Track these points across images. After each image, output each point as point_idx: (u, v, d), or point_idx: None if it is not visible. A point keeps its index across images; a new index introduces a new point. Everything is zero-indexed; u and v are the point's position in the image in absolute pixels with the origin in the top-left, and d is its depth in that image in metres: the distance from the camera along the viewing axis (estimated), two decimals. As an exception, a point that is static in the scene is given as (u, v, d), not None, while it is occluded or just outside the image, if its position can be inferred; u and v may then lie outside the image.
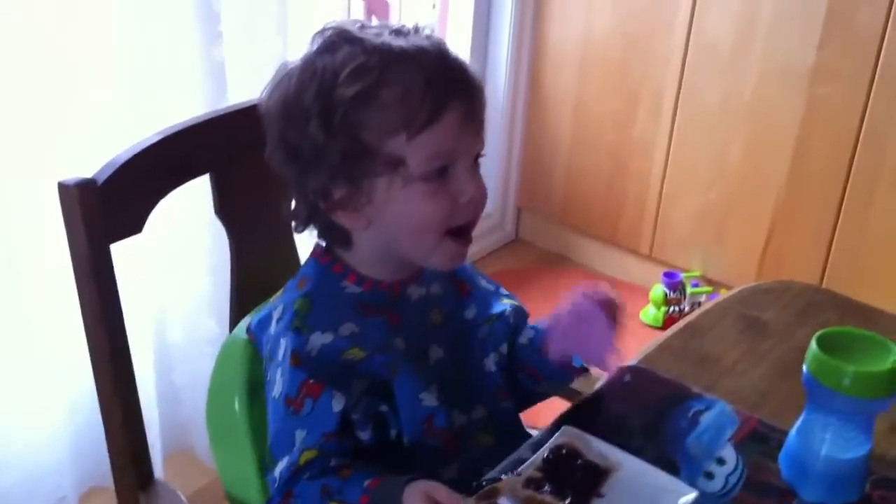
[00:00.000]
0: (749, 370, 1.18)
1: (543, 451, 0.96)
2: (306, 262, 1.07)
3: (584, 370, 1.08)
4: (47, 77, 1.52)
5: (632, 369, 1.15)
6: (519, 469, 0.94)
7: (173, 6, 1.63)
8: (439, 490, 0.88)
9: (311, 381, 0.96)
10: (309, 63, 0.96)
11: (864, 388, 0.90)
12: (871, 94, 2.23)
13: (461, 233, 1.00)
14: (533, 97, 2.83)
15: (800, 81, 2.31)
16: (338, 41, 0.96)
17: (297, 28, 1.83)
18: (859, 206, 2.32)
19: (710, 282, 2.65)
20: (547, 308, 1.03)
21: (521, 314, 1.12)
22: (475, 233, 1.02)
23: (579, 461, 0.96)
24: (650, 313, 2.65)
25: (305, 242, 1.10)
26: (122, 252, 1.08)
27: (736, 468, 0.97)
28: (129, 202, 1.08)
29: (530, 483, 0.92)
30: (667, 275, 2.63)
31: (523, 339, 1.11)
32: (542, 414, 1.12)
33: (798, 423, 0.98)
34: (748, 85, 2.40)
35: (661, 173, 2.62)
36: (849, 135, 2.28)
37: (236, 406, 1.09)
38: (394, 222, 0.98)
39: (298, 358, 0.97)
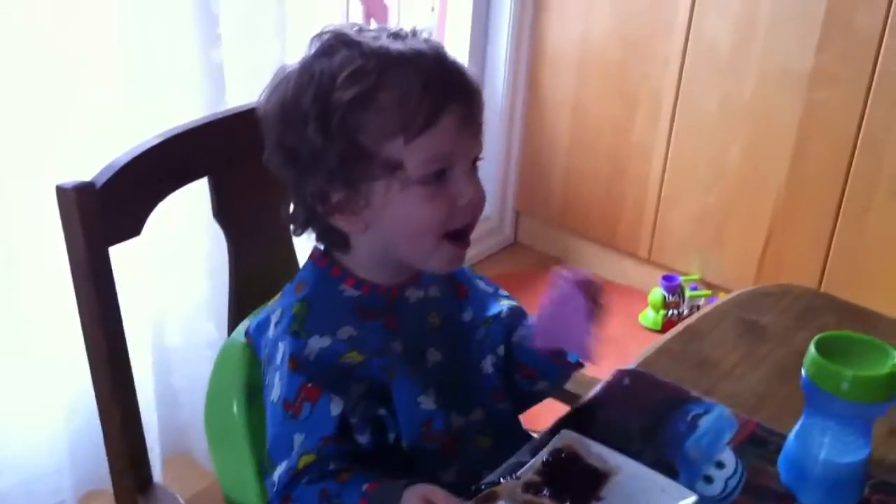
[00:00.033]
0: (748, 374, 1.17)
1: (542, 455, 0.96)
2: (304, 266, 1.07)
3: (579, 365, 1.07)
4: (47, 77, 1.52)
5: (630, 373, 1.14)
6: (518, 473, 0.94)
7: (172, 8, 1.63)
8: (438, 494, 0.88)
9: (310, 384, 0.96)
10: (307, 66, 0.96)
11: (863, 392, 0.90)
12: (869, 99, 2.23)
13: (459, 236, 1.00)
14: (531, 100, 2.83)
15: (798, 85, 2.32)
16: (335, 44, 0.96)
17: (296, 31, 1.83)
18: (858, 209, 2.32)
19: (708, 285, 2.65)
20: (545, 311, 1.03)
21: (518, 314, 1.12)
22: (473, 236, 1.02)
23: (578, 465, 0.96)
24: (649, 317, 2.65)
25: (304, 246, 1.10)
26: (121, 255, 1.08)
27: (735, 472, 0.97)
28: (128, 205, 1.08)
29: (529, 487, 0.92)
30: (665, 278, 2.63)
31: (517, 337, 1.10)
32: (542, 417, 1.12)
33: (797, 426, 0.97)
34: (747, 88, 2.41)
35: (660, 176, 2.63)
36: (847, 139, 2.28)
37: (235, 409, 1.09)
38: (392, 225, 0.98)
39: (296, 362, 0.97)
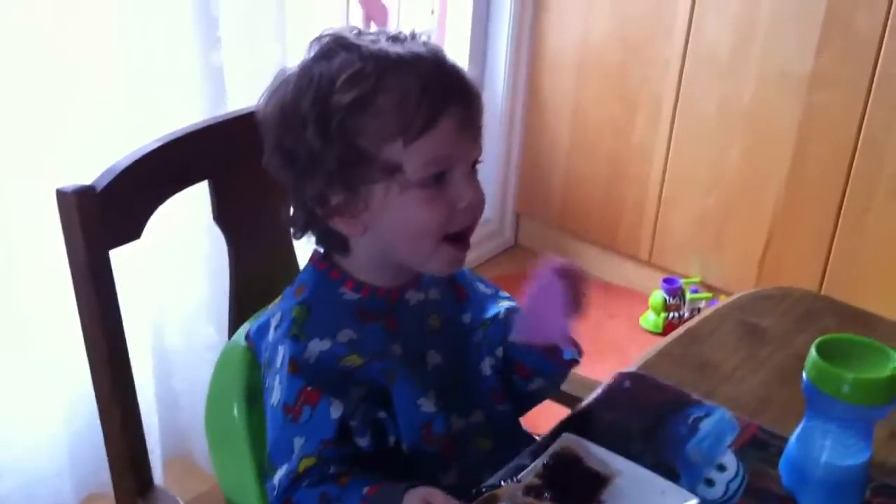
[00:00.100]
0: (748, 376, 1.17)
1: (543, 458, 0.96)
2: (304, 269, 1.07)
3: (574, 362, 1.07)
4: (47, 78, 1.52)
5: (631, 376, 1.14)
6: (519, 476, 0.94)
7: (172, 10, 1.63)
8: (438, 496, 0.88)
9: (310, 388, 0.96)
10: (306, 70, 0.96)
11: (864, 395, 0.90)
12: (869, 101, 2.23)
13: (459, 238, 1.00)
14: (531, 103, 2.83)
15: (798, 87, 2.31)
16: (335, 48, 0.96)
17: (296, 34, 1.83)
18: (858, 211, 2.32)
19: (709, 287, 2.65)
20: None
21: (515, 314, 1.12)
22: (474, 239, 1.02)
23: (579, 468, 0.95)
24: (650, 319, 2.64)
25: (304, 248, 1.10)
26: (121, 258, 1.08)
27: (736, 475, 0.97)
28: (128, 208, 1.08)
29: (530, 490, 0.92)
30: (666, 281, 2.63)
31: (511, 335, 1.10)
32: (542, 420, 1.12)
33: (798, 429, 0.97)
34: (747, 90, 2.40)
35: (660, 179, 2.62)
36: (847, 141, 2.28)
37: (235, 412, 1.09)
38: (391, 228, 0.98)
39: (296, 365, 0.97)
